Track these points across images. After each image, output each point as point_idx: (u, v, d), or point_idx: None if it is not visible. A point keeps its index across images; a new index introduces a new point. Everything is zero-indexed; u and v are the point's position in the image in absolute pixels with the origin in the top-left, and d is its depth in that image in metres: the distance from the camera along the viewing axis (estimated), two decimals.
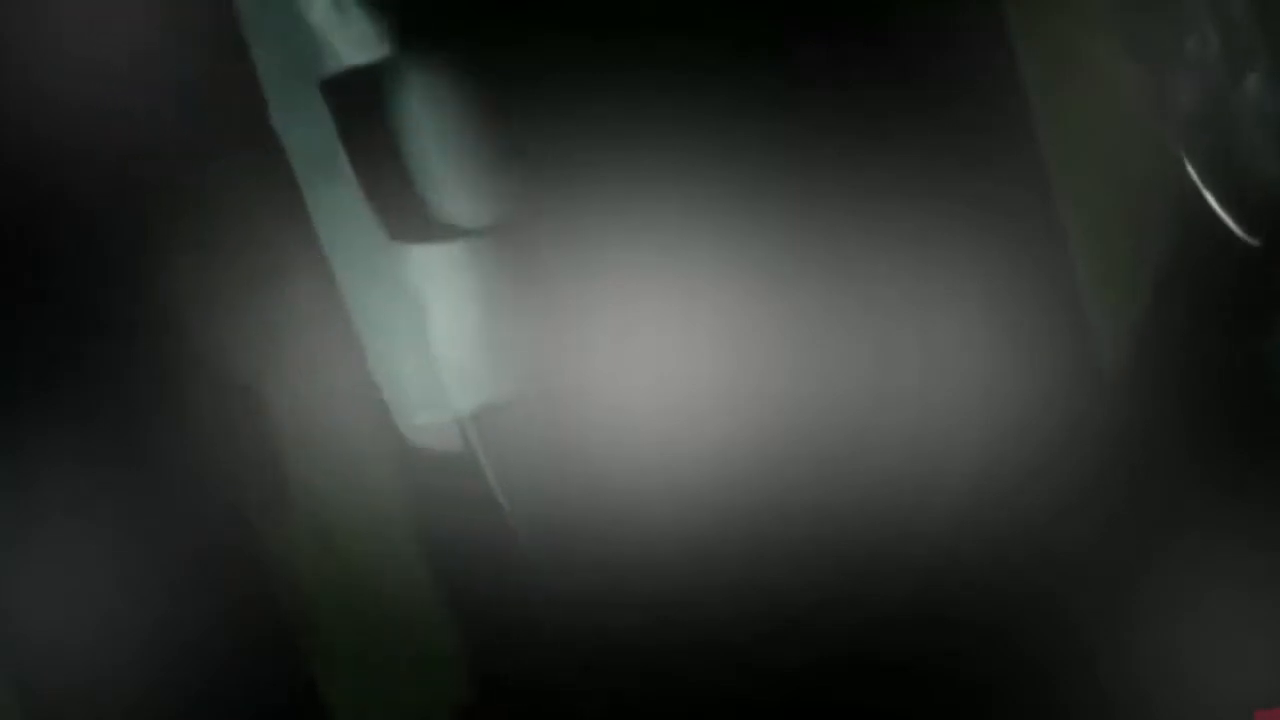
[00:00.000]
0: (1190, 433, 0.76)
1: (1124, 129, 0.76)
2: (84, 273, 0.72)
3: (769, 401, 0.70)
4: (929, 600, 0.72)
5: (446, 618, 0.75)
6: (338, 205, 0.69)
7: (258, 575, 0.74)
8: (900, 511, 0.72)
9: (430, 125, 0.67)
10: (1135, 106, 0.76)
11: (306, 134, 0.68)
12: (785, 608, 0.71)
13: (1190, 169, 0.76)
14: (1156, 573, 0.75)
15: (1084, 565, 0.74)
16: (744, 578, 0.71)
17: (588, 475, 0.70)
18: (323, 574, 0.74)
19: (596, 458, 0.69)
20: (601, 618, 0.72)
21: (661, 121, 0.68)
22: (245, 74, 0.69)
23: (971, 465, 0.72)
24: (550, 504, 0.71)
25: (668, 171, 0.68)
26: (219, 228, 0.72)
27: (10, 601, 0.71)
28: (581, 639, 0.73)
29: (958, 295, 0.72)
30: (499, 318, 0.68)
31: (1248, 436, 0.77)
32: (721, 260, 0.69)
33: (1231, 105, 0.76)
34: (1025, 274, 0.73)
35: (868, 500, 0.71)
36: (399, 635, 0.75)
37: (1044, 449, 0.73)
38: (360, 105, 0.67)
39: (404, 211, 0.67)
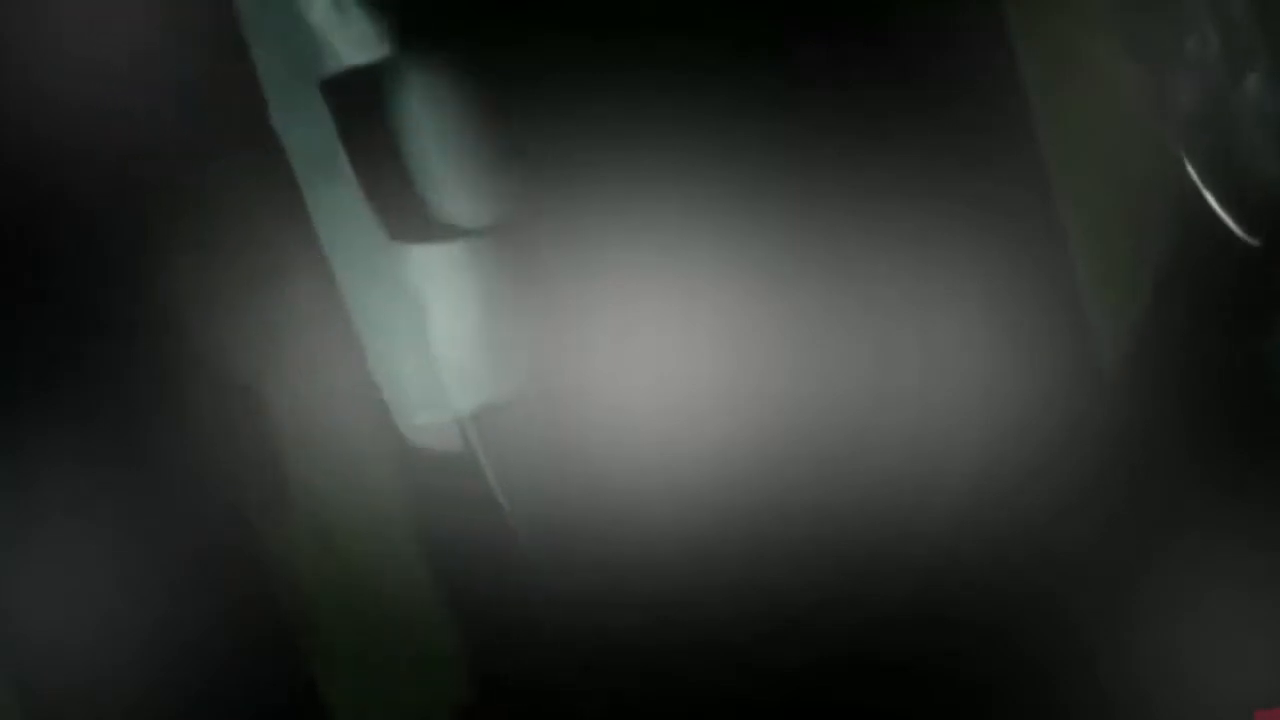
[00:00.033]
0: (1190, 433, 0.76)
1: (1124, 129, 0.76)
2: (84, 273, 0.72)
3: (769, 401, 0.70)
4: (929, 600, 0.72)
5: (446, 618, 0.75)
6: (338, 205, 0.69)
7: (258, 575, 0.74)
8: (900, 511, 0.72)
9: (430, 125, 0.67)
10: (1135, 106, 0.76)
11: (307, 134, 0.68)
12: (785, 608, 0.71)
13: (1190, 169, 0.76)
14: (1156, 573, 0.75)
15: (1084, 565, 0.74)
16: (744, 578, 0.71)
17: (588, 475, 0.70)
18: (323, 574, 0.74)
19: (596, 458, 0.69)
20: (601, 618, 0.72)
21: (661, 121, 0.68)
22: (245, 74, 0.69)
23: (971, 465, 0.72)
24: (550, 504, 0.71)
25: (668, 171, 0.68)
26: (219, 228, 0.72)
27: (10, 601, 0.71)
28: (581, 639, 0.73)
29: (958, 295, 0.72)
30: (499, 318, 0.68)
31: (1248, 436, 0.77)
32: (722, 260, 0.69)
33: (1231, 105, 0.76)
34: (1025, 274, 0.73)
35: (868, 500, 0.71)
36: (399, 635, 0.75)
37: (1044, 449, 0.73)
38: (360, 105, 0.67)
39: (404, 211, 0.67)
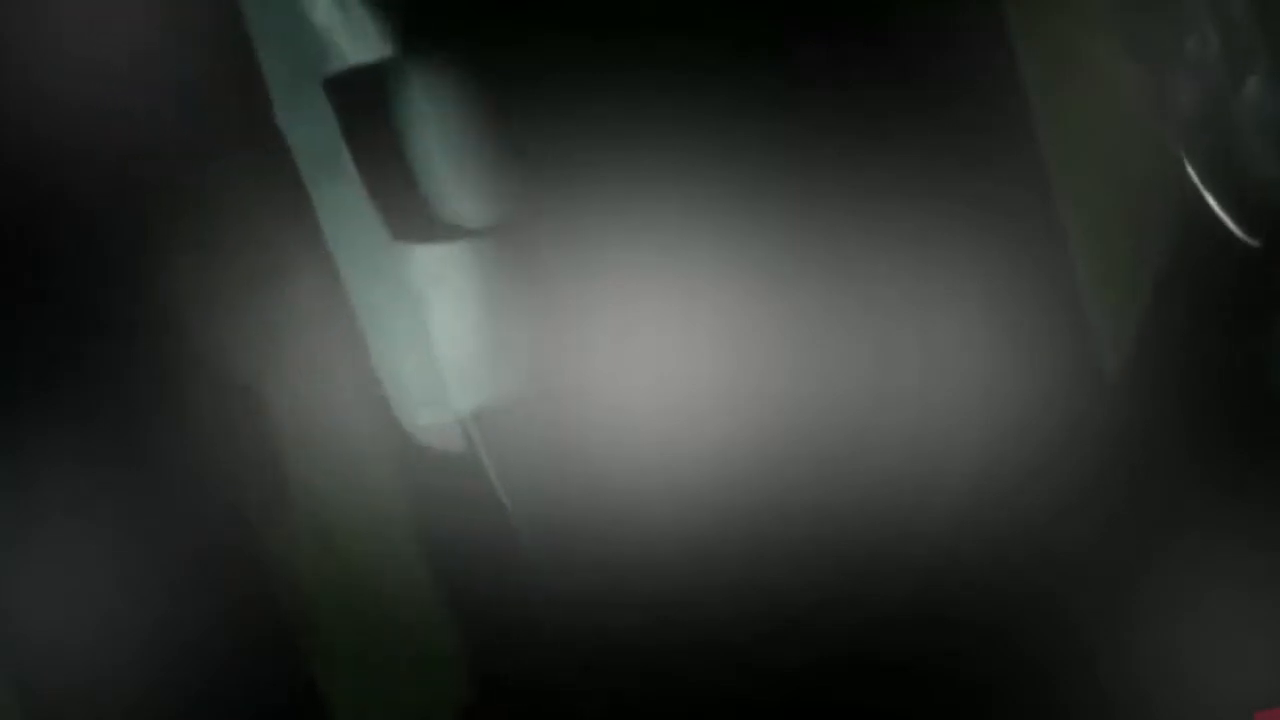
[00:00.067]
0: (1190, 433, 0.76)
1: (1124, 129, 0.76)
2: (84, 273, 0.72)
3: (769, 401, 0.70)
4: (929, 600, 0.72)
5: (446, 618, 0.75)
6: (340, 204, 0.69)
7: (258, 575, 0.74)
8: (900, 511, 0.72)
9: (433, 124, 0.67)
10: (1135, 106, 0.76)
11: (310, 132, 0.68)
12: (785, 608, 0.71)
13: (1190, 170, 0.76)
14: (1156, 573, 0.75)
15: (1084, 565, 0.74)
16: (744, 578, 0.71)
17: (588, 475, 0.70)
18: (323, 574, 0.74)
19: (597, 458, 0.69)
20: (601, 618, 0.72)
21: (661, 121, 0.68)
22: (246, 73, 0.69)
23: (971, 465, 0.72)
24: (551, 504, 0.71)
25: (668, 171, 0.68)
26: (219, 227, 0.72)
27: (10, 601, 0.71)
28: (581, 639, 0.73)
29: (958, 295, 0.72)
30: (501, 317, 0.68)
31: (1248, 436, 0.77)
32: (722, 260, 0.69)
33: (1231, 106, 0.76)
34: (1025, 274, 0.73)
35: (868, 500, 0.71)
36: (399, 635, 0.75)
37: (1044, 449, 0.73)
38: (363, 104, 0.67)
39: (407, 210, 0.67)
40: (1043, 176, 0.73)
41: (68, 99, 0.70)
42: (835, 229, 0.70)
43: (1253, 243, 0.76)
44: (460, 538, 0.74)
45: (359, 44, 0.67)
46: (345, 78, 0.67)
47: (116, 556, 0.71)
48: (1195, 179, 0.76)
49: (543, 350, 0.68)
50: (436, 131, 0.67)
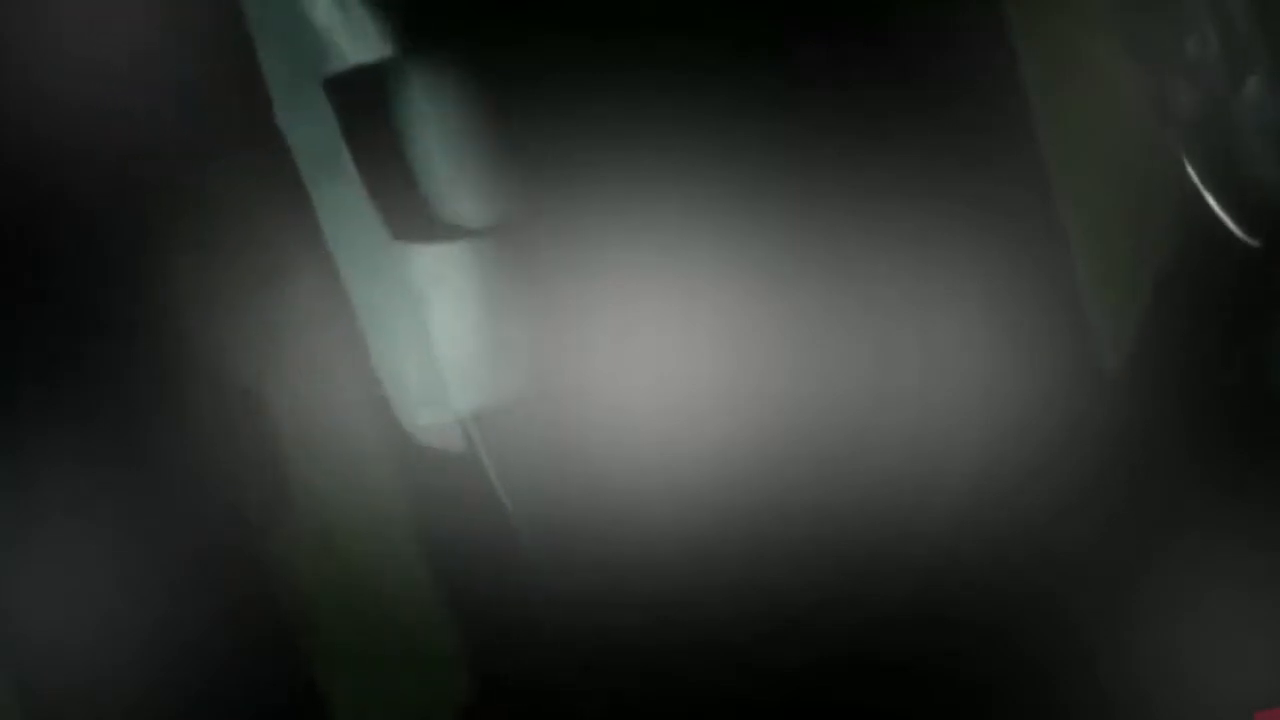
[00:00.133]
0: (1190, 433, 0.76)
1: (1124, 129, 0.76)
2: (84, 273, 0.72)
3: (769, 402, 0.70)
4: (929, 600, 0.72)
5: (446, 618, 0.75)
6: (340, 204, 0.69)
7: (258, 575, 0.74)
8: (900, 511, 0.72)
9: (433, 125, 0.67)
10: (1135, 106, 0.76)
11: (311, 132, 0.68)
12: (785, 608, 0.71)
13: (1190, 170, 0.76)
14: (1156, 573, 0.75)
15: (1084, 565, 0.74)
16: (744, 578, 0.71)
17: (588, 475, 0.70)
18: (323, 574, 0.74)
19: (597, 458, 0.69)
20: (601, 618, 0.72)
21: (661, 121, 0.68)
22: (247, 72, 0.69)
23: (971, 465, 0.72)
24: (551, 504, 0.71)
25: (668, 171, 0.68)
26: (220, 227, 0.72)
27: (10, 601, 0.71)
28: (581, 639, 0.73)
29: (958, 295, 0.72)
30: (501, 317, 0.68)
31: (1248, 436, 0.77)
32: (722, 260, 0.69)
33: (1232, 107, 0.76)
34: (1025, 274, 0.73)
35: (868, 500, 0.71)
36: (399, 635, 0.75)
37: (1044, 449, 0.73)
38: (364, 104, 0.67)
39: (407, 211, 0.67)
40: (1043, 176, 0.73)
41: (68, 99, 0.70)
42: (835, 229, 0.70)
43: (1253, 243, 0.76)
44: (460, 538, 0.74)
45: (359, 44, 0.67)
46: (345, 78, 0.67)
47: (116, 557, 0.71)
48: (1195, 179, 0.76)
49: (543, 350, 0.68)
50: (436, 131, 0.67)
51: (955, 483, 0.72)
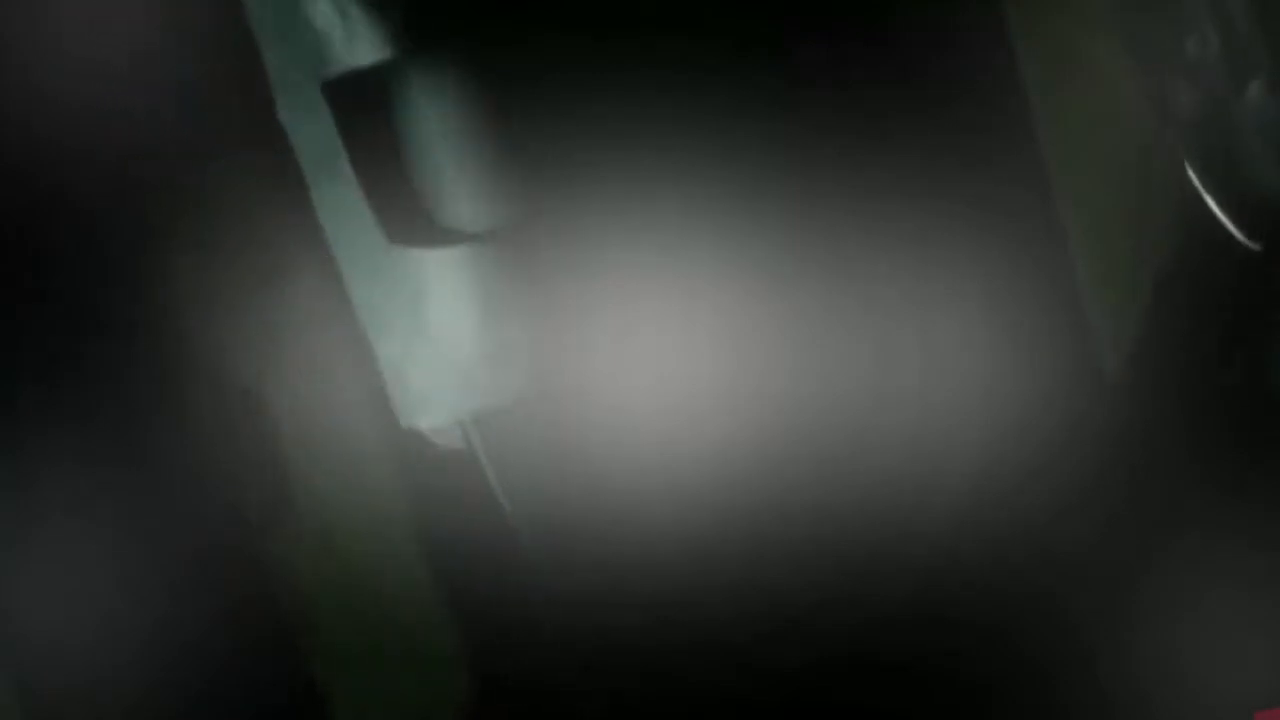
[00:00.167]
0: (1190, 433, 0.76)
1: (1124, 129, 0.76)
2: (84, 273, 0.72)
3: (769, 402, 0.70)
4: (929, 600, 0.72)
5: (446, 618, 0.75)
6: (341, 204, 0.69)
7: (258, 575, 0.74)
8: (900, 511, 0.72)
9: (433, 126, 0.67)
10: (1135, 106, 0.76)
11: (312, 131, 0.68)
12: (785, 608, 0.71)
13: (1190, 172, 0.76)
14: (1156, 573, 0.75)
15: (1084, 565, 0.74)
16: (744, 578, 0.71)
17: (588, 475, 0.70)
18: (323, 574, 0.74)
19: (597, 458, 0.69)
20: (601, 618, 0.72)
21: (661, 121, 0.68)
22: (248, 73, 0.69)
23: (971, 465, 0.72)
24: (551, 504, 0.71)
25: (668, 172, 0.68)
26: (220, 227, 0.72)
27: (10, 601, 0.71)
28: (581, 639, 0.73)
29: (958, 295, 0.72)
30: (500, 318, 0.68)
31: (1248, 436, 0.77)
32: (721, 260, 0.69)
33: (1231, 108, 0.76)
34: (1025, 274, 0.73)
35: (868, 500, 0.71)
36: (399, 635, 0.75)
37: (1044, 449, 0.73)
38: (363, 106, 0.67)
39: (406, 213, 0.67)
40: (1043, 176, 0.73)
41: (68, 99, 0.70)
42: (835, 229, 0.70)
43: (1253, 246, 0.76)
44: (460, 538, 0.74)
45: (359, 45, 0.67)
46: (344, 80, 0.67)
47: (116, 557, 0.71)
48: (1195, 180, 0.76)
49: (542, 351, 0.68)
50: (436, 133, 0.67)
51: (955, 483, 0.72)
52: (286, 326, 0.72)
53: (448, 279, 0.68)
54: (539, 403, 0.69)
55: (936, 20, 0.71)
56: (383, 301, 0.70)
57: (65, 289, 0.71)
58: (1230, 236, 0.76)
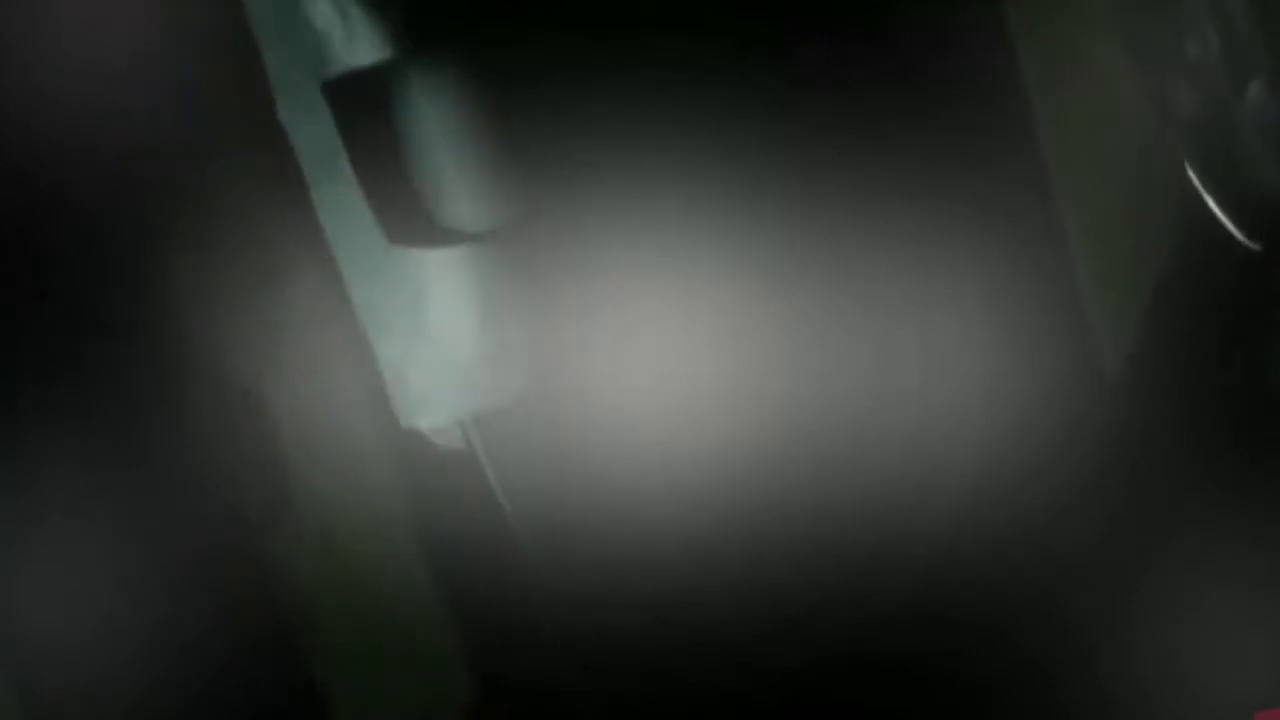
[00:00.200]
0: (1190, 433, 0.76)
1: (1124, 129, 0.76)
2: (84, 273, 0.72)
3: (769, 402, 0.70)
4: (929, 600, 0.72)
5: (446, 618, 0.75)
6: (341, 204, 0.69)
7: (258, 575, 0.74)
8: (900, 511, 0.72)
9: (433, 126, 0.67)
10: (1135, 106, 0.76)
11: (312, 131, 0.68)
12: (785, 608, 0.71)
13: (1190, 172, 0.76)
14: (1156, 573, 0.75)
15: (1084, 565, 0.74)
16: (744, 578, 0.71)
17: (588, 475, 0.70)
18: (323, 574, 0.74)
19: (597, 458, 0.69)
20: (601, 618, 0.72)
21: (661, 122, 0.68)
22: (248, 73, 0.69)
23: (971, 465, 0.72)
24: (551, 504, 0.71)
25: (668, 172, 0.68)
26: (220, 227, 0.72)
27: (10, 601, 0.71)
28: (581, 639, 0.73)
29: (958, 295, 0.72)
30: (500, 318, 0.68)
31: (1248, 436, 0.77)
32: (721, 260, 0.69)
33: (1231, 108, 0.76)
34: (1025, 274, 0.73)
35: (868, 500, 0.71)
36: (399, 635, 0.75)
37: (1044, 449, 0.73)
38: (363, 106, 0.67)
39: (406, 214, 0.67)
40: (1043, 176, 0.73)
41: (68, 99, 0.70)
42: (835, 229, 0.70)
43: (1253, 246, 0.76)
44: (460, 538, 0.74)
45: (359, 45, 0.67)
46: (344, 80, 0.67)
47: (116, 557, 0.71)
48: (1195, 180, 0.76)
49: (542, 351, 0.68)
50: (436, 133, 0.67)
51: (955, 483, 0.72)
52: (286, 326, 0.72)
53: (448, 279, 0.68)
54: (539, 403, 0.69)
55: (936, 20, 0.71)
56: (383, 301, 0.70)
57: (65, 289, 0.71)
58: (1230, 236, 0.76)
